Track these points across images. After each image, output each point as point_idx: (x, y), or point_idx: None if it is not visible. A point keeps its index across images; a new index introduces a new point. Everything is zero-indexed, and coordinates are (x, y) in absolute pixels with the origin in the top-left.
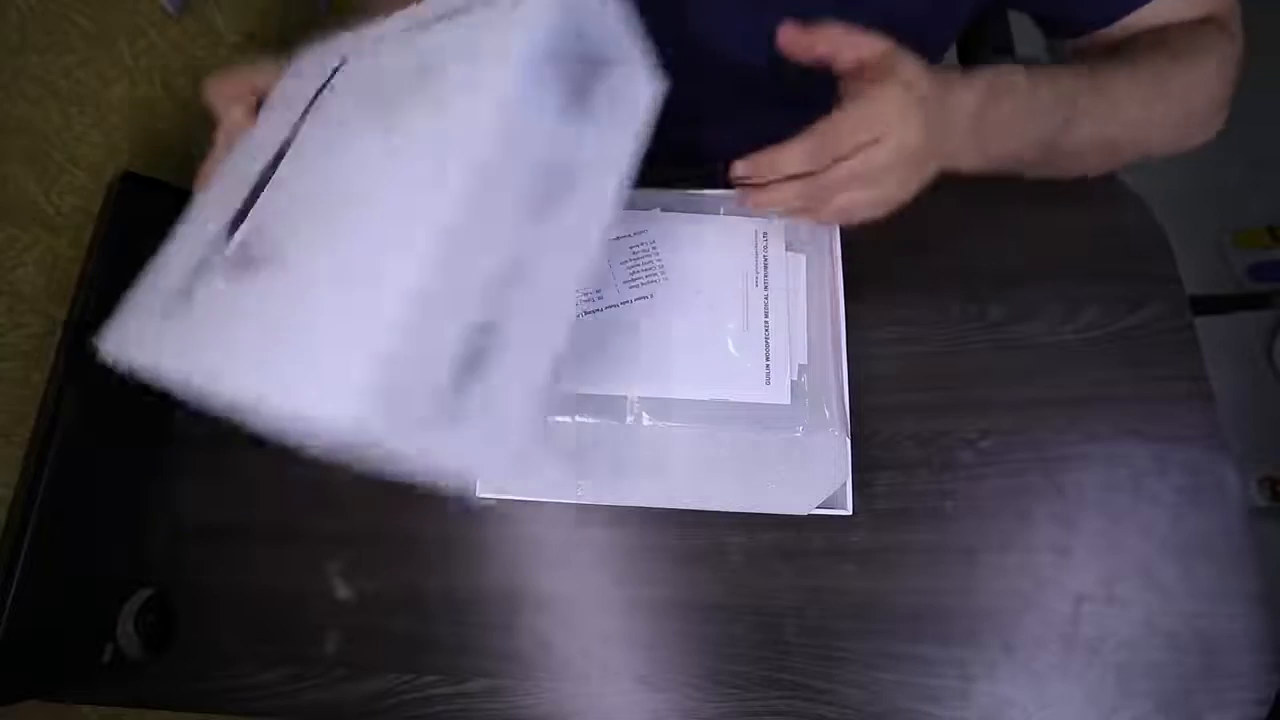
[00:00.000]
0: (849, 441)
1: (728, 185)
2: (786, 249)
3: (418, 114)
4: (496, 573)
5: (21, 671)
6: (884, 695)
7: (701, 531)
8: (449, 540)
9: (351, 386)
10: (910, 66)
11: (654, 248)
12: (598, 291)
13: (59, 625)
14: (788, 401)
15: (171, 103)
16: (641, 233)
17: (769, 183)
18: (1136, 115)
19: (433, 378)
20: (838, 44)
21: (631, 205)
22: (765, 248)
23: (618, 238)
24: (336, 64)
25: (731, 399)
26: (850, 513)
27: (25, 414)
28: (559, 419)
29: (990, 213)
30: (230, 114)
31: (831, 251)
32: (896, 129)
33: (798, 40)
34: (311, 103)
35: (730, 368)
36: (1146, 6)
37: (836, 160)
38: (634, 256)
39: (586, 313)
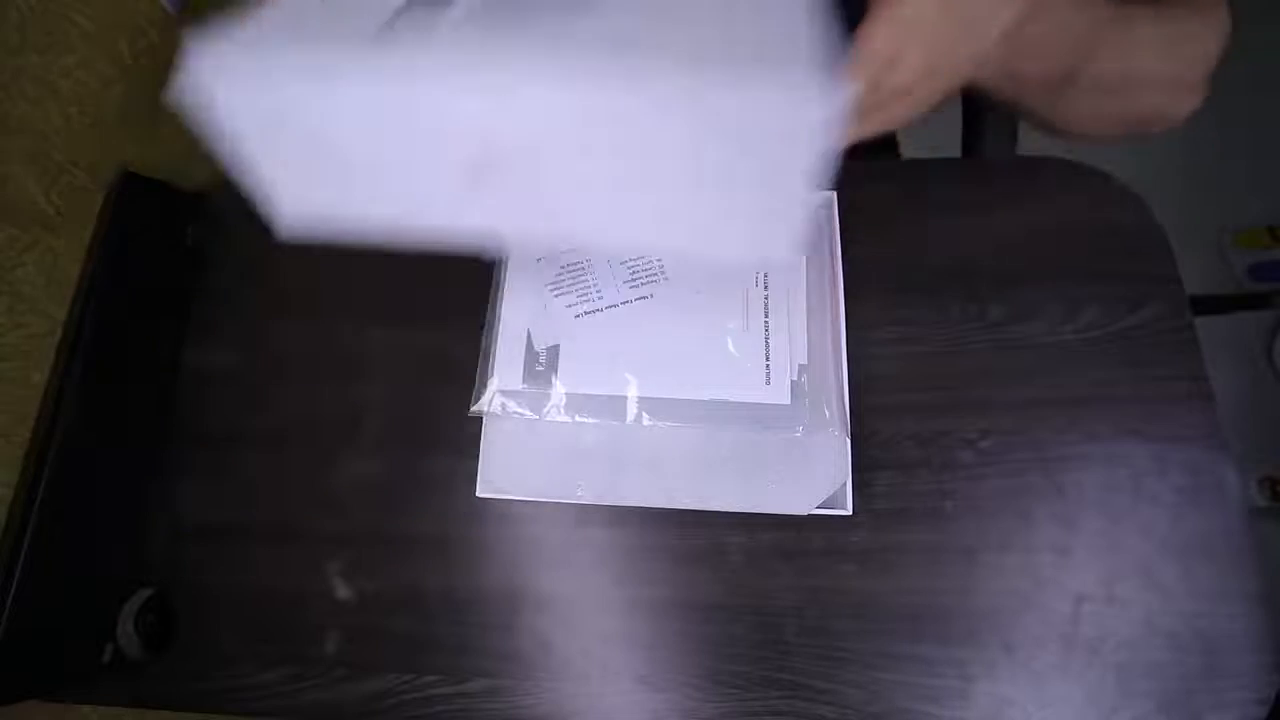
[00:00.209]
0: (849, 441)
1: None
2: None
3: None
4: (496, 573)
5: (21, 671)
6: (884, 695)
7: (701, 531)
8: (449, 540)
9: None
10: None
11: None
12: (598, 291)
13: (59, 625)
14: (788, 401)
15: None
16: None
17: None
18: (1151, 65)
19: None
20: None
21: None
22: None
23: None
24: None
25: (731, 399)
26: (850, 513)
27: (25, 414)
28: (559, 419)
29: (990, 213)
30: None
31: (831, 251)
32: (919, 39)
33: None
34: None
35: (730, 368)
36: None
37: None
38: (634, 256)
39: (586, 313)
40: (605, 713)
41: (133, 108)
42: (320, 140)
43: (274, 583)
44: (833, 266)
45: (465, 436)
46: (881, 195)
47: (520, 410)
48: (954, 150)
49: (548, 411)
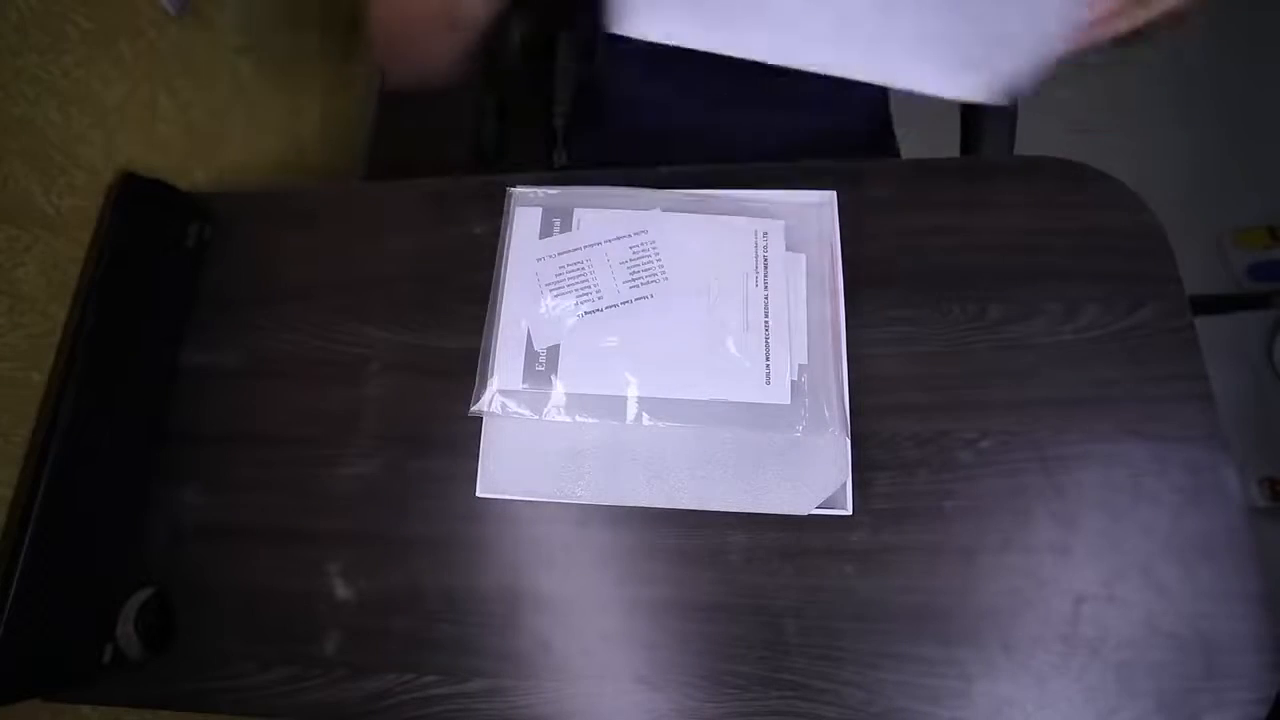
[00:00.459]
0: (849, 441)
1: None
2: (786, 249)
3: None
4: (496, 573)
5: (22, 671)
6: (884, 695)
7: (701, 531)
8: (449, 540)
9: None
10: None
11: (654, 248)
12: (598, 291)
13: (59, 625)
14: (788, 401)
15: (171, 103)
16: (641, 233)
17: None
18: None
19: None
20: None
21: (632, 205)
22: (765, 248)
23: (618, 238)
24: None
25: (731, 399)
26: (850, 513)
27: (25, 414)
28: (559, 419)
29: (990, 213)
30: None
31: (831, 251)
32: None
33: None
34: None
35: (730, 367)
36: None
37: None
38: (634, 256)
39: (587, 313)
40: (605, 713)
41: (133, 108)
42: None
43: (274, 583)
44: (833, 266)
45: (465, 436)
46: (881, 195)
47: (520, 410)
48: (954, 150)
49: (547, 411)
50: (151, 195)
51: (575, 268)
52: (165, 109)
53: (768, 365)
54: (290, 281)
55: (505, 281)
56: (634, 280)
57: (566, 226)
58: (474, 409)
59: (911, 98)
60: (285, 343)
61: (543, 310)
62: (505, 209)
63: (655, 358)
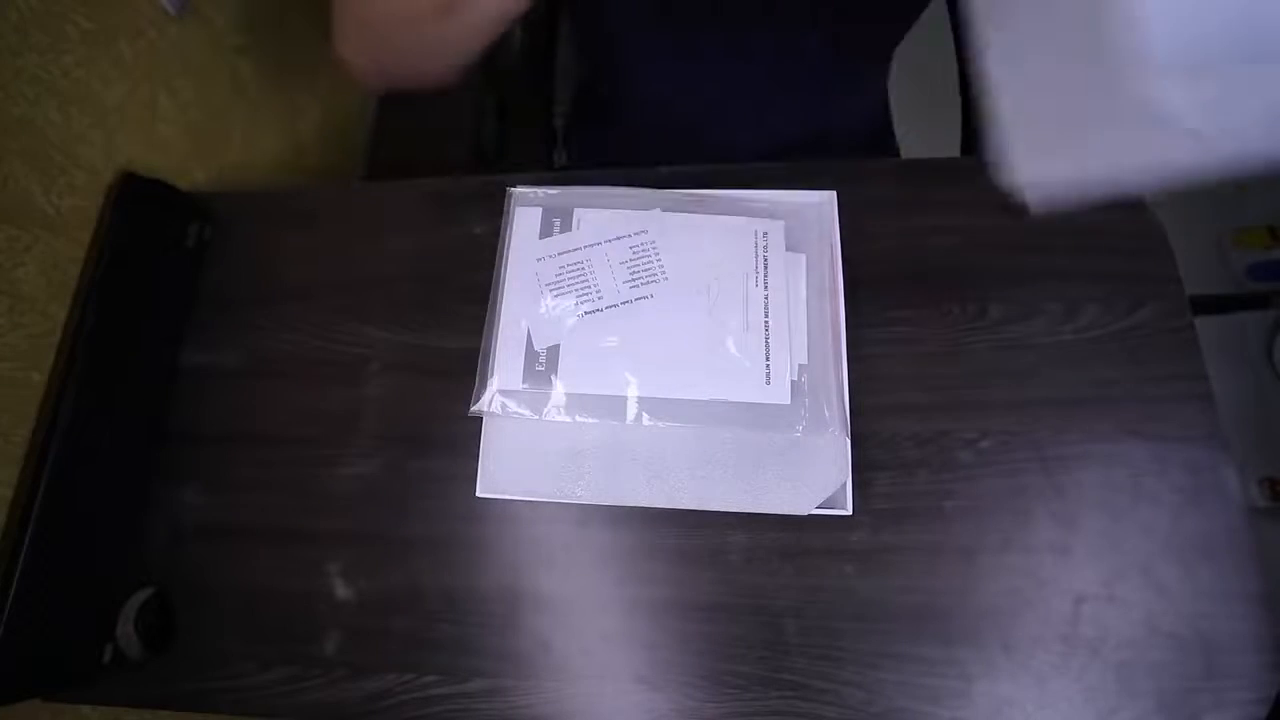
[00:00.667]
0: (849, 441)
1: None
2: (786, 249)
3: None
4: (496, 573)
5: (22, 671)
6: (884, 695)
7: (701, 531)
8: (449, 540)
9: None
10: None
11: (654, 248)
12: (598, 291)
13: (59, 625)
14: (788, 401)
15: (171, 103)
16: (641, 233)
17: None
18: None
19: None
20: None
21: (632, 205)
22: (765, 248)
23: (618, 238)
24: None
25: (731, 399)
26: (850, 513)
27: (25, 414)
28: (559, 419)
29: (990, 212)
30: None
31: (831, 251)
32: None
33: None
34: None
35: (730, 368)
36: None
37: None
38: (634, 256)
39: (587, 313)
40: (605, 713)
41: (133, 108)
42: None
43: (274, 583)
44: (833, 266)
45: (465, 436)
46: (881, 195)
47: (520, 410)
48: (954, 150)
49: (547, 411)
50: (151, 195)
51: (575, 268)
52: (165, 109)
53: (768, 365)
54: (290, 281)
55: (505, 281)
56: (634, 280)
57: (566, 226)
58: (474, 409)
59: (912, 98)
60: (285, 343)
61: (543, 310)
62: (505, 209)
63: (655, 358)
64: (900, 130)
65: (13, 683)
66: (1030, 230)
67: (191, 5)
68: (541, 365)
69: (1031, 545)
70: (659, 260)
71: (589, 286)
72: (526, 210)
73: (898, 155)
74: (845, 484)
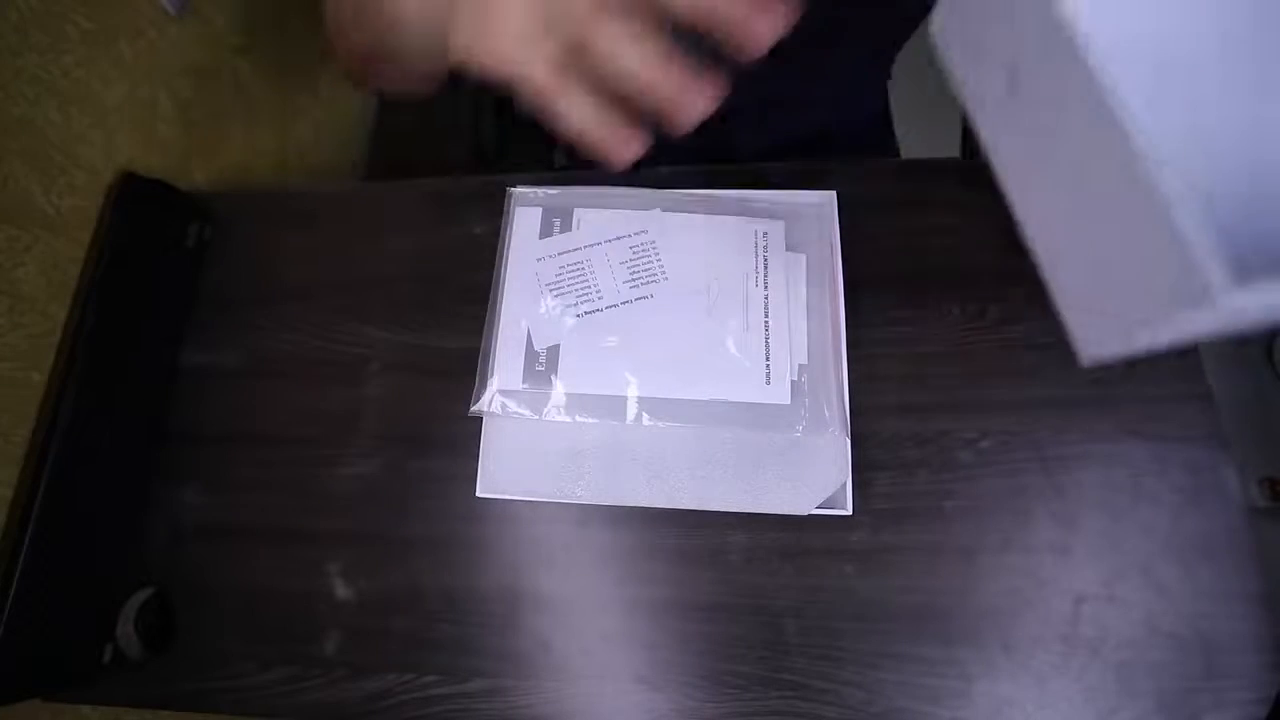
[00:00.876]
0: (849, 441)
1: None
2: (786, 249)
3: None
4: (496, 573)
5: (22, 671)
6: (884, 695)
7: (701, 531)
8: (449, 540)
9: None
10: None
11: (654, 248)
12: (598, 291)
13: (59, 625)
14: (788, 401)
15: (171, 103)
16: (641, 233)
17: None
18: None
19: None
20: None
21: (632, 205)
22: (765, 248)
23: (618, 238)
24: None
25: (731, 399)
26: (850, 513)
27: (25, 414)
28: (559, 419)
29: (989, 212)
30: None
31: (831, 251)
32: None
33: None
34: None
35: (730, 368)
36: None
37: None
38: (634, 256)
39: (586, 313)
40: (605, 713)
41: (133, 108)
42: None
43: (274, 583)
44: (833, 266)
45: (465, 436)
46: (881, 195)
47: (520, 410)
48: (954, 150)
49: (547, 411)
50: (151, 195)
51: (575, 268)
52: (165, 109)
53: (768, 365)
54: (290, 281)
55: (505, 281)
56: (634, 280)
57: (566, 226)
58: (474, 409)
59: (912, 98)
60: (285, 343)
61: (543, 310)
62: (505, 209)
63: (655, 358)
64: (900, 130)
65: (13, 683)
66: None
67: (191, 5)
68: (541, 365)
69: (1031, 545)
70: (659, 260)
71: (589, 286)
72: (526, 210)
73: (898, 155)
74: (845, 484)
